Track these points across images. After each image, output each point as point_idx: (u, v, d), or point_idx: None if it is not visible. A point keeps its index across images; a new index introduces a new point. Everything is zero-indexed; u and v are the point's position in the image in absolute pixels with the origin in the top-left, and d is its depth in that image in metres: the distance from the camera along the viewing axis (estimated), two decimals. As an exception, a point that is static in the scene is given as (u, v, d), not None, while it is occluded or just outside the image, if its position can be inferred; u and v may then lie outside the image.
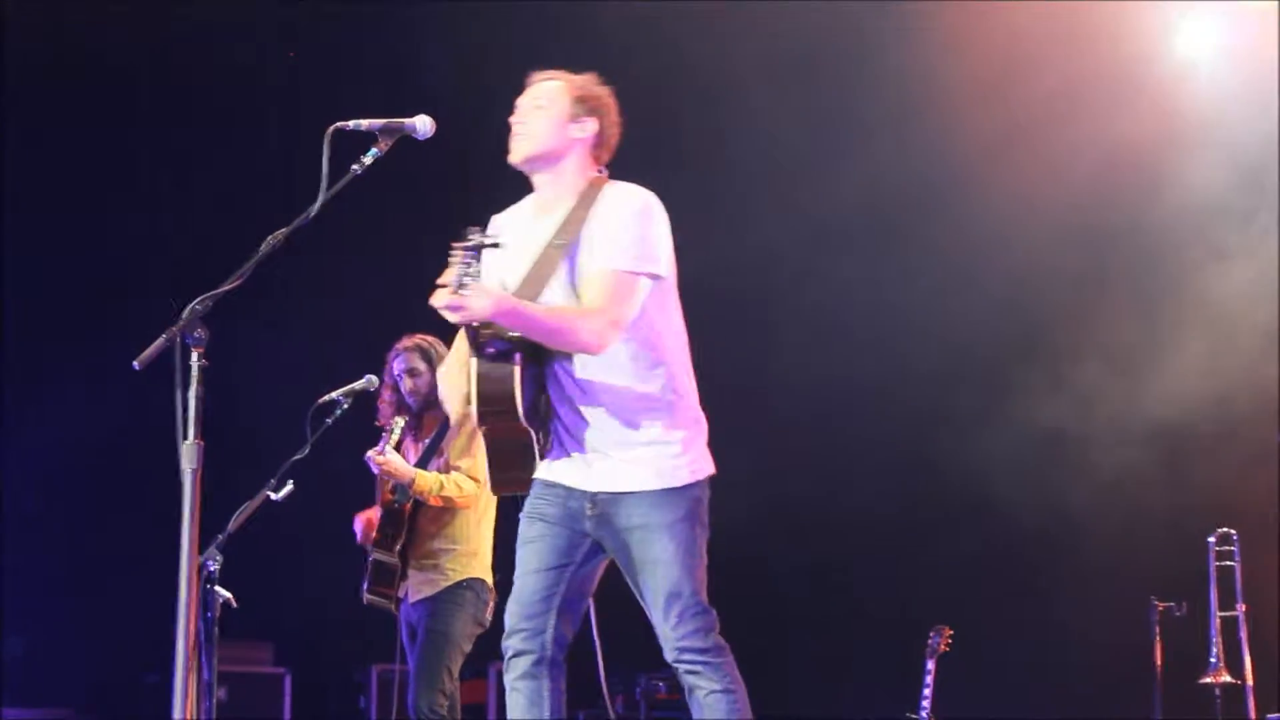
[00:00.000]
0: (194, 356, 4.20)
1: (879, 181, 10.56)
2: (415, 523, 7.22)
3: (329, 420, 6.63)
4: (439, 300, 4.52)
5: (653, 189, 4.91)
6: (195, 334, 4.20)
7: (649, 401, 4.83)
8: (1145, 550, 9.91)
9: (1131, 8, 10.27)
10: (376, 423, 7.37)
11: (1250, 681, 8.62)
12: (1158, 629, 8.83)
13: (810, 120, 10.56)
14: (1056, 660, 10.34)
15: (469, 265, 4.52)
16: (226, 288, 4.28)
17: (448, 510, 7.12)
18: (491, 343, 4.71)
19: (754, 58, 10.40)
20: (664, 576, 4.80)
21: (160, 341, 4.18)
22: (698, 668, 4.81)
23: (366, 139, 4.56)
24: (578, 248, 4.82)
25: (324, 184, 4.40)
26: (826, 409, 10.99)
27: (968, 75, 10.30)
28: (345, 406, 6.72)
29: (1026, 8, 10.22)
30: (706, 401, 5.08)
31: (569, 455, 4.86)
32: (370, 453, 7.10)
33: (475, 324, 4.65)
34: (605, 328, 4.70)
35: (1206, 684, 8.61)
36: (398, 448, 7.15)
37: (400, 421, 7.16)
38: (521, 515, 4.99)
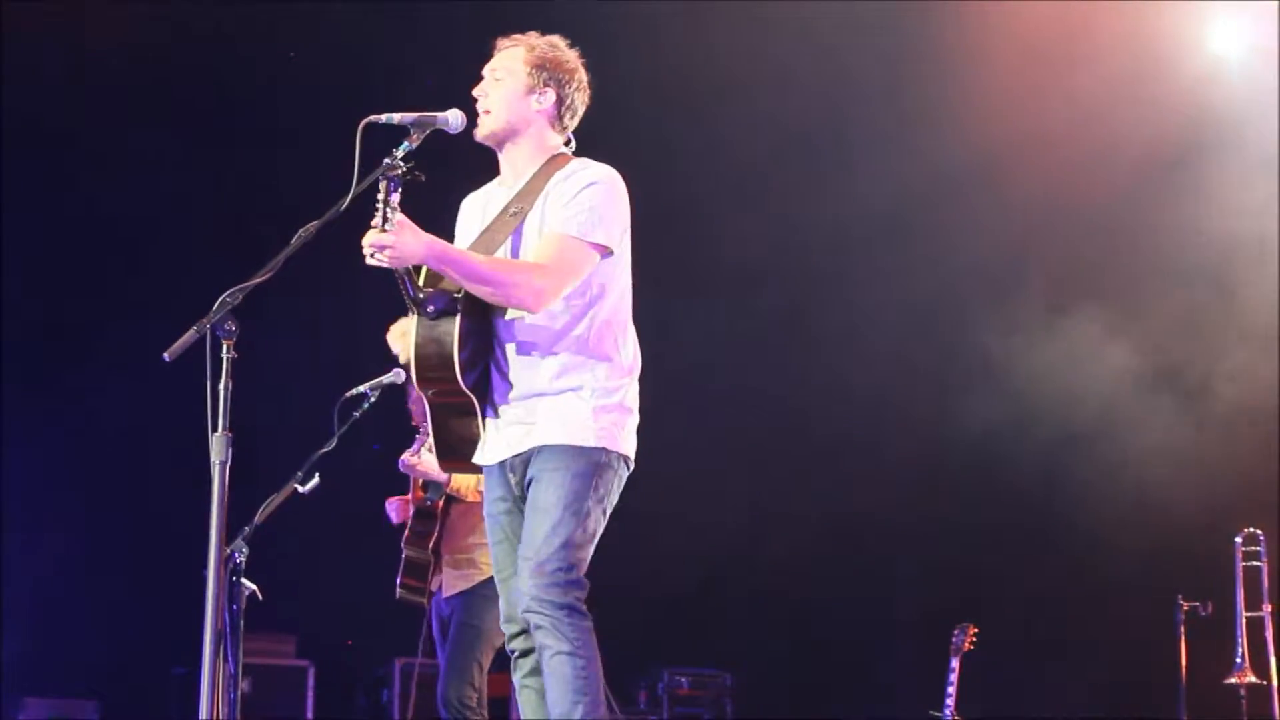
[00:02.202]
0: (224, 349, 4.21)
1: (906, 182, 10.55)
2: (447, 519, 7.25)
3: (356, 413, 6.62)
4: (367, 240, 4.43)
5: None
6: (226, 326, 4.20)
7: (575, 366, 4.72)
8: (1171, 549, 9.89)
9: (1163, 6, 10.23)
10: (413, 423, 7.37)
11: (1275, 682, 8.59)
12: (1183, 628, 8.80)
13: (835, 121, 10.54)
14: (1081, 659, 10.32)
15: (391, 197, 4.39)
16: (257, 280, 4.28)
17: (480, 504, 7.12)
18: (432, 300, 4.64)
19: (779, 56, 10.38)
20: (539, 524, 4.62)
21: (191, 333, 4.18)
22: (544, 623, 4.56)
23: (398, 133, 4.57)
24: (530, 217, 4.77)
25: (356, 177, 4.41)
26: (852, 410, 10.98)
27: (996, 75, 10.28)
28: (373, 400, 6.71)
29: (1056, 6, 10.20)
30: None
31: (495, 423, 4.78)
32: (404, 456, 7.13)
33: (409, 271, 4.55)
34: (545, 286, 4.61)
35: (1231, 684, 8.59)
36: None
37: (431, 424, 7.15)
38: (484, 514, 4.96)
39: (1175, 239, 10.34)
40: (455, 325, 4.63)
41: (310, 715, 10.19)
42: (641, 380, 4.90)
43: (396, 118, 4.60)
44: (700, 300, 10.98)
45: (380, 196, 4.40)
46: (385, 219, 4.39)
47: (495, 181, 5.00)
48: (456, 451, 4.89)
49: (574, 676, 4.56)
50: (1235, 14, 10.24)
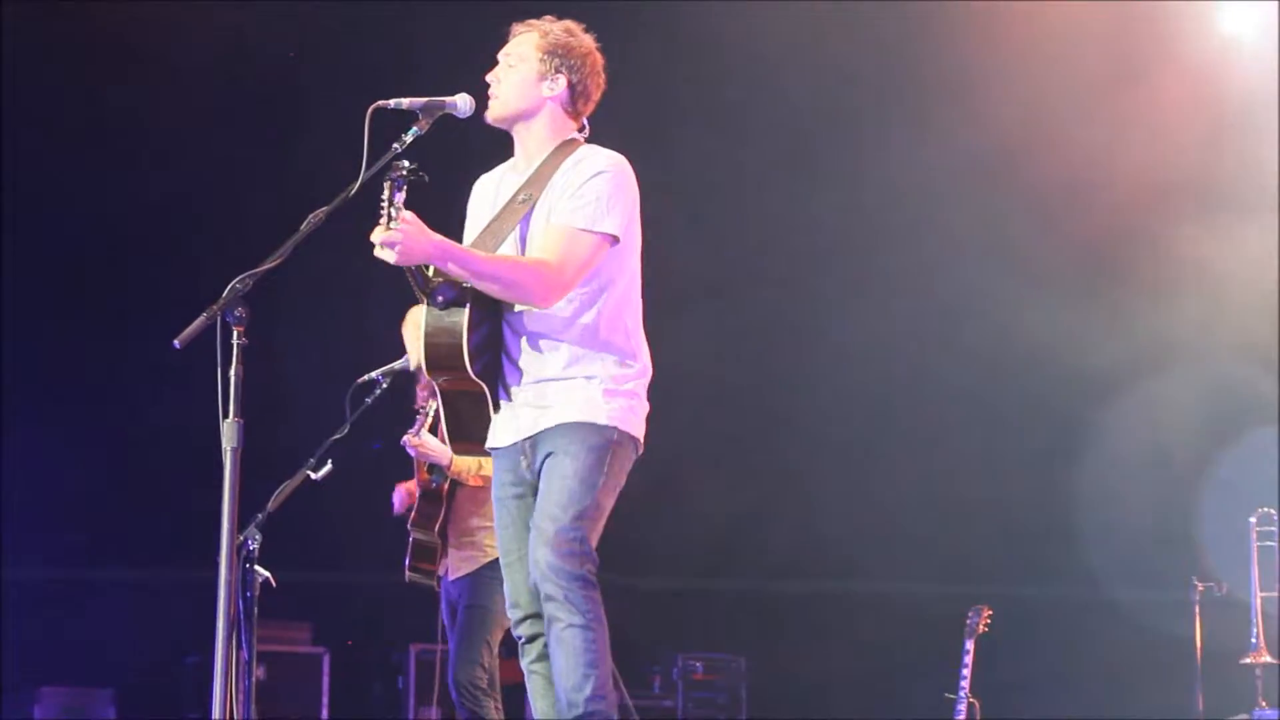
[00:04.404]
0: (234, 335, 4.22)
1: (914, 172, 10.53)
2: (453, 501, 7.25)
3: (368, 399, 6.62)
4: (374, 238, 4.43)
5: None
6: (235, 312, 4.21)
7: (585, 356, 4.73)
8: (1185, 529, 9.89)
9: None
10: (415, 406, 7.37)
11: (1291, 662, 8.58)
12: (1198, 609, 8.78)
13: (843, 110, 10.53)
14: (1096, 639, 10.32)
15: (394, 197, 4.39)
16: (267, 266, 4.29)
17: (485, 488, 7.13)
18: (441, 290, 4.65)
19: (788, 50, 10.36)
20: (553, 496, 4.63)
21: (201, 320, 4.19)
22: (557, 594, 4.55)
23: (407, 118, 4.56)
24: (539, 204, 4.77)
25: (365, 162, 4.40)
26: (862, 399, 10.99)
27: (1013, 60, 10.24)
28: (384, 386, 6.71)
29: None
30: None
31: (507, 406, 4.79)
32: (406, 437, 7.13)
33: (419, 267, 4.57)
34: (553, 282, 4.63)
35: (1247, 664, 8.57)
36: (434, 428, 7.17)
37: (434, 405, 7.16)
38: (493, 498, 4.95)
39: (1186, 223, 10.32)
40: (465, 315, 4.64)
41: (326, 703, 10.20)
42: (653, 367, 4.90)
43: (405, 103, 4.62)
44: (709, 290, 10.97)
45: (385, 197, 4.40)
46: (390, 218, 4.39)
47: (508, 164, 5.00)
48: (469, 435, 4.90)
49: (585, 649, 4.56)
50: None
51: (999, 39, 10.25)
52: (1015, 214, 10.52)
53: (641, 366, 4.85)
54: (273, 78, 10.44)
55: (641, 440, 4.83)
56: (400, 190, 4.41)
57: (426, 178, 4.45)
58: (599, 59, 4.93)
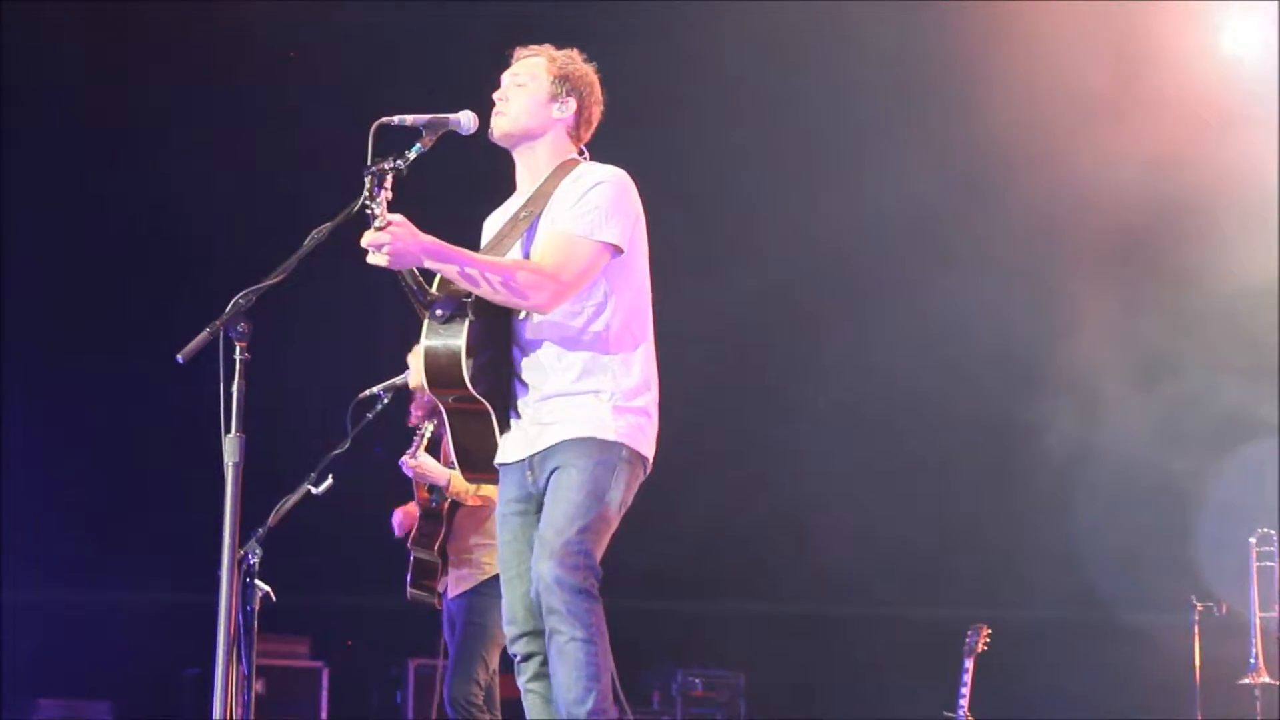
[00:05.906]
0: (237, 350, 4.22)
1: (915, 185, 10.54)
2: (453, 520, 7.26)
3: (369, 415, 6.63)
4: (365, 240, 4.41)
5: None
6: (238, 327, 4.21)
7: (593, 370, 4.71)
8: (1184, 549, 9.89)
9: (1178, 6, 10.22)
10: (409, 423, 7.38)
11: (1290, 683, 8.58)
12: (1197, 629, 8.78)
13: (853, 120, 10.54)
14: (1096, 660, 10.31)
15: (376, 193, 4.34)
16: (270, 282, 4.28)
17: (484, 507, 7.14)
18: (441, 304, 4.62)
19: (788, 57, 10.38)
20: (559, 509, 4.60)
21: (204, 335, 4.19)
22: (559, 607, 4.51)
23: (411, 135, 4.56)
24: (540, 220, 4.77)
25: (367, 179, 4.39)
26: (861, 413, 10.99)
27: (1013, 75, 10.26)
28: (386, 401, 6.72)
29: (1072, 6, 10.20)
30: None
31: (513, 425, 4.78)
32: (404, 458, 7.14)
33: (414, 274, 4.54)
34: (550, 285, 4.60)
35: (1246, 685, 8.57)
36: (434, 448, 7.18)
37: (430, 426, 7.18)
38: (496, 514, 4.94)
39: (1186, 236, 10.33)
40: (464, 330, 4.61)
41: (324, 716, 10.20)
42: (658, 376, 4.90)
43: (409, 119, 4.59)
44: (706, 301, 10.97)
45: (366, 193, 4.36)
46: (375, 217, 4.36)
47: (514, 195, 5.00)
48: (475, 461, 4.88)
49: (587, 663, 4.53)
50: (1249, 14, 10.22)
51: (1000, 47, 10.27)
52: (1015, 226, 10.52)
53: (650, 382, 4.84)
54: (273, 78, 10.44)
55: (650, 460, 4.81)
56: (381, 187, 4.36)
57: (404, 169, 4.40)
58: (600, 89, 4.97)
